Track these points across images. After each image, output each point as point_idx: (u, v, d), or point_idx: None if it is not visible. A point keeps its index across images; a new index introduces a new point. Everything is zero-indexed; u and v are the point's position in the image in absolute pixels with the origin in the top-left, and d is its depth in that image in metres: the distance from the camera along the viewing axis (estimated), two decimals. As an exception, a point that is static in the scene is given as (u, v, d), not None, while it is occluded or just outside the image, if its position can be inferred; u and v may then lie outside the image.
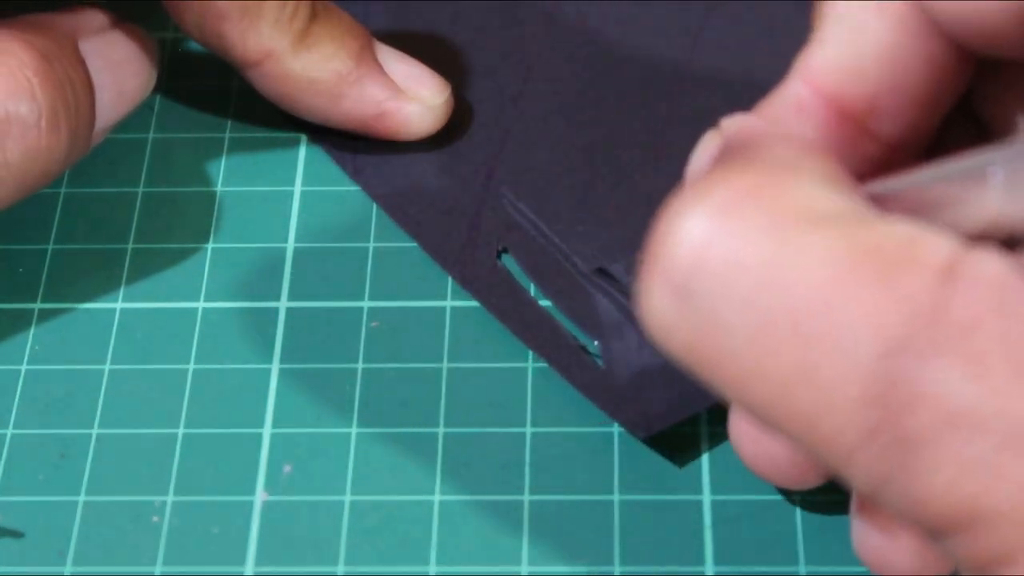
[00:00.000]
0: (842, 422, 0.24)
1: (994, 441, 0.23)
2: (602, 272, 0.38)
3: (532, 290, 0.39)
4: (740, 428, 0.33)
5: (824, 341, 0.24)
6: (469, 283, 0.39)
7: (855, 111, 0.31)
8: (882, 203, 0.27)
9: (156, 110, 0.43)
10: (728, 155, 0.27)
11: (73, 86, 0.37)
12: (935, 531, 0.24)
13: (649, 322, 0.26)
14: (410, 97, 0.40)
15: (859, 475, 0.24)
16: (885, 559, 0.32)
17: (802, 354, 0.24)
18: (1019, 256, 0.24)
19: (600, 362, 0.37)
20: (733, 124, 0.29)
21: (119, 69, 0.39)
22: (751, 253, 0.25)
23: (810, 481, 0.33)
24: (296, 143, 0.42)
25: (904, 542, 0.32)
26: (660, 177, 0.40)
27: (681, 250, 0.25)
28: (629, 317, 0.38)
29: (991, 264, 0.24)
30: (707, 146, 0.30)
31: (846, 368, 0.24)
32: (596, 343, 0.38)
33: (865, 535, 0.32)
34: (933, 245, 0.24)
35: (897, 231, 0.24)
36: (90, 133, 0.38)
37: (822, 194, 0.25)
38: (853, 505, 0.33)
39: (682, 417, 0.36)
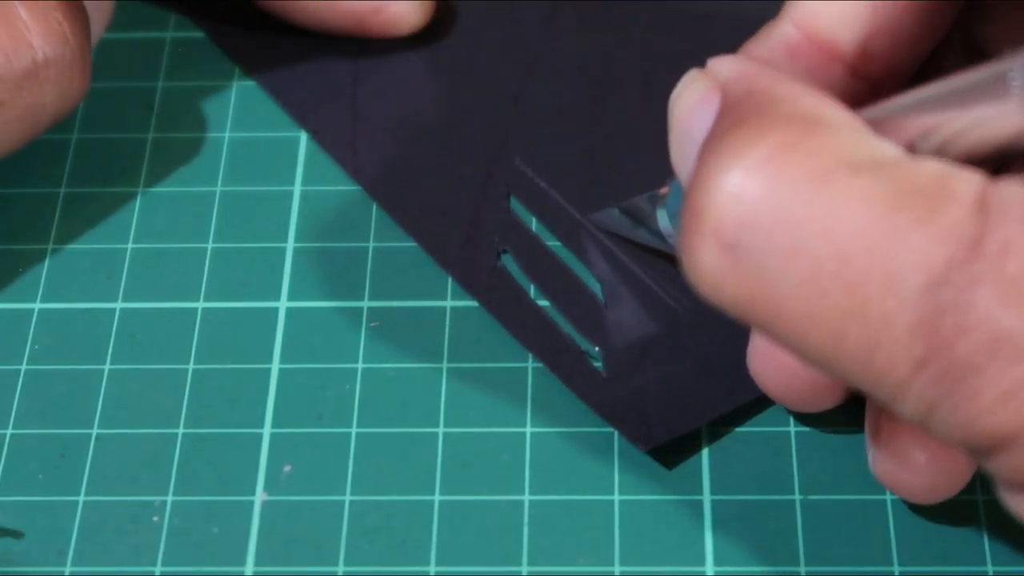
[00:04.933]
0: (893, 355, 0.25)
1: None
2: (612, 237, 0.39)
3: (532, 292, 0.39)
4: (759, 354, 0.34)
5: (872, 280, 0.25)
6: (468, 285, 0.39)
7: (846, 54, 0.31)
8: (882, 129, 0.27)
9: (156, 110, 0.43)
10: (741, 105, 0.27)
11: (87, 22, 0.37)
12: (980, 450, 0.26)
13: (696, 278, 0.27)
14: None
15: (909, 404, 0.26)
16: (898, 481, 0.33)
17: (852, 294, 0.25)
18: None
19: (601, 368, 0.37)
20: (724, 66, 0.29)
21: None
22: (797, 204, 0.26)
23: (827, 402, 0.34)
24: (296, 143, 0.42)
25: (915, 466, 0.33)
26: (660, 179, 0.40)
27: (726, 207, 0.26)
28: (635, 290, 0.38)
29: (1019, 190, 0.25)
30: (695, 88, 0.29)
31: (895, 303, 0.25)
32: (597, 349, 0.38)
33: (880, 461, 0.33)
34: (963, 180, 0.25)
35: (928, 170, 0.25)
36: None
37: (854, 142, 0.26)
38: (868, 434, 0.34)
39: (685, 431, 0.36)
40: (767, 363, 0.34)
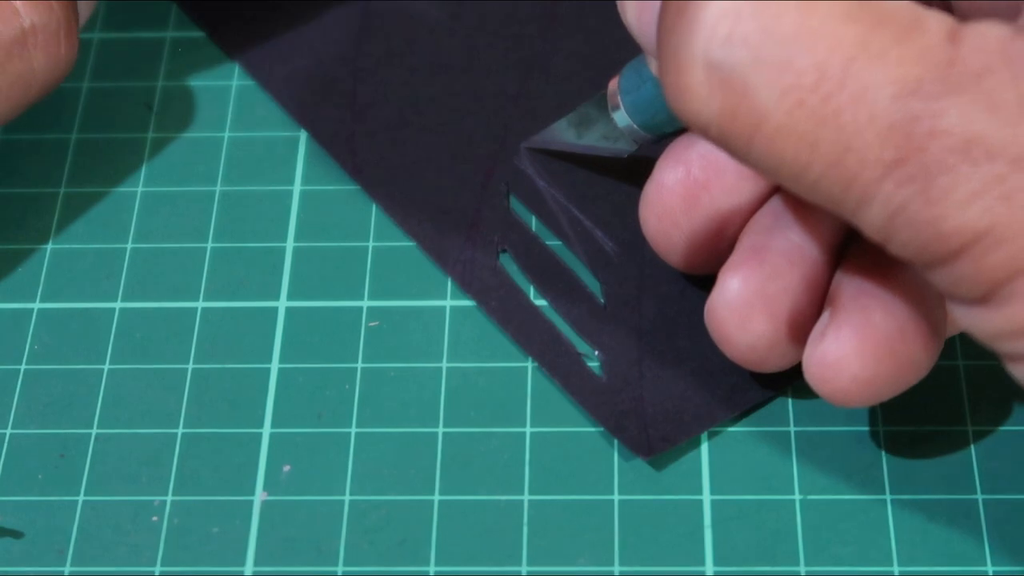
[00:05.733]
0: (864, 158, 0.27)
1: (1006, 165, 0.27)
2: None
3: (531, 292, 0.39)
4: (649, 206, 0.37)
5: (847, 87, 0.27)
6: (468, 284, 0.39)
7: None
8: None
9: (156, 110, 0.43)
10: None
11: None
12: (942, 254, 0.27)
13: (682, 99, 0.29)
14: None
15: (875, 207, 0.28)
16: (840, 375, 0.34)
17: (828, 102, 0.27)
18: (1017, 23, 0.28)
19: (600, 372, 0.37)
20: None
21: None
22: (782, 20, 0.27)
23: (699, 266, 0.37)
24: (296, 143, 0.42)
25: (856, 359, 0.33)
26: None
27: (713, 26, 0.28)
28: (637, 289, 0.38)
29: (994, 27, 0.27)
30: None
31: (867, 110, 0.27)
32: (596, 352, 0.37)
33: (824, 353, 0.34)
34: (935, 17, 0.27)
35: (903, 5, 0.28)
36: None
37: None
38: (815, 333, 0.34)
39: (684, 440, 0.36)
40: (654, 211, 0.36)
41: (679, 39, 0.28)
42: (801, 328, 0.35)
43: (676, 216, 0.36)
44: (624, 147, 0.38)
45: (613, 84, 0.37)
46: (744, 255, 0.35)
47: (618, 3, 0.32)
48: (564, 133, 0.40)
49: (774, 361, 0.35)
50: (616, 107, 0.37)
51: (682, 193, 0.36)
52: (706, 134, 0.29)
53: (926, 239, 0.27)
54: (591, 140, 0.39)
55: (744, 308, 0.34)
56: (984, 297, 0.28)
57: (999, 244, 0.27)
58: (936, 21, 0.27)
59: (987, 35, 0.27)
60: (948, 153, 0.27)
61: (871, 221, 0.28)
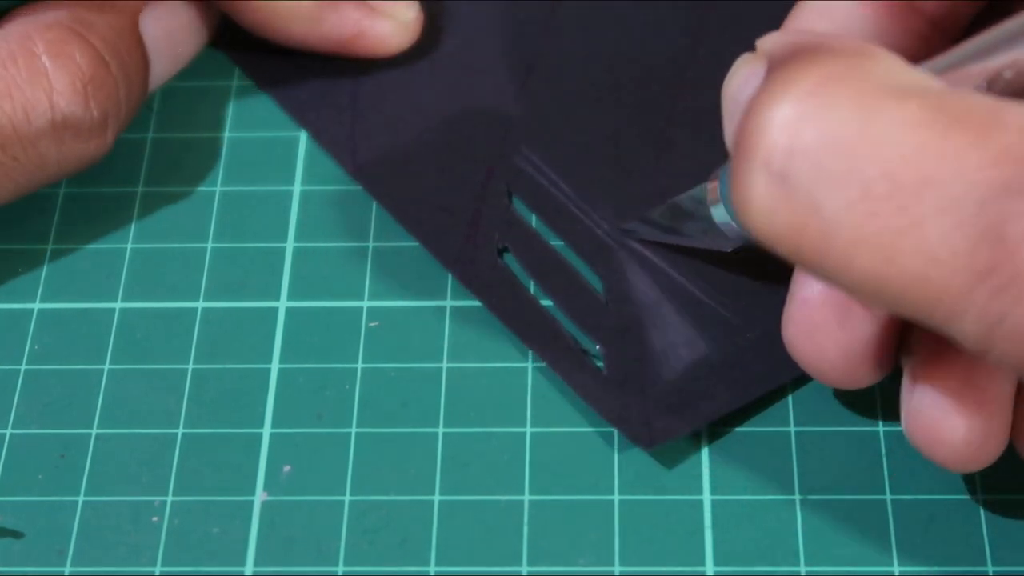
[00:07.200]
0: (952, 269, 0.25)
1: None
2: (625, 232, 0.39)
3: (532, 288, 0.39)
4: (795, 321, 0.34)
5: (926, 197, 0.25)
6: (469, 282, 0.39)
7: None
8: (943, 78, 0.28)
9: (156, 110, 0.43)
10: (787, 58, 0.28)
11: (128, 79, 0.38)
12: None
13: (748, 213, 0.28)
14: (384, 15, 0.42)
15: (970, 322, 0.25)
16: (937, 434, 0.32)
17: (905, 213, 0.25)
18: None
19: (602, 367, 0.37)
20: (768, 40, 0.29)
21: (176, 35, 0.40)
22: (845, 129, 0.26)
23: (863, 376, 0.34)
24: (296, 143, 0.42)
25: (956, 416, 0.32)
26: (661, 176, 0.40)
27: (776, 136, 0.27)
28: (683, 307, 0.38)
29: None
30: (744, 67, 0.30)
31: (952, 217, 0.25)
32: (598, 347, 0.38)
33: (918, 411, 0.32)
34: (1012, 110, 0.25)
35: (976, 99, 0.26)
36: (136, 110, 0.39)
37: (902, 71, 0.27)
38: (906, 384, 0.33)
39: (686, 431, 0.36)
40: (803, 330, 0.34)
41: (743, 148, 0.27)
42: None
43: (830, 331, 0.33)
44: (722, 243, 0.36)
45: (715, 176, 0.35)
46: None
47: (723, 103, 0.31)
48: (658, 224, 0.38)
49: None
50: (716, 201, 0.35)
51: (832, 304, 0.33)
52: (775, 249, 0.27)
53: None
54: (688, 233, 0.37)
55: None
56: None
57: None
58: (1014, 114, 0.25)
59: None
60: None
61: (966, 334, 0.26)
